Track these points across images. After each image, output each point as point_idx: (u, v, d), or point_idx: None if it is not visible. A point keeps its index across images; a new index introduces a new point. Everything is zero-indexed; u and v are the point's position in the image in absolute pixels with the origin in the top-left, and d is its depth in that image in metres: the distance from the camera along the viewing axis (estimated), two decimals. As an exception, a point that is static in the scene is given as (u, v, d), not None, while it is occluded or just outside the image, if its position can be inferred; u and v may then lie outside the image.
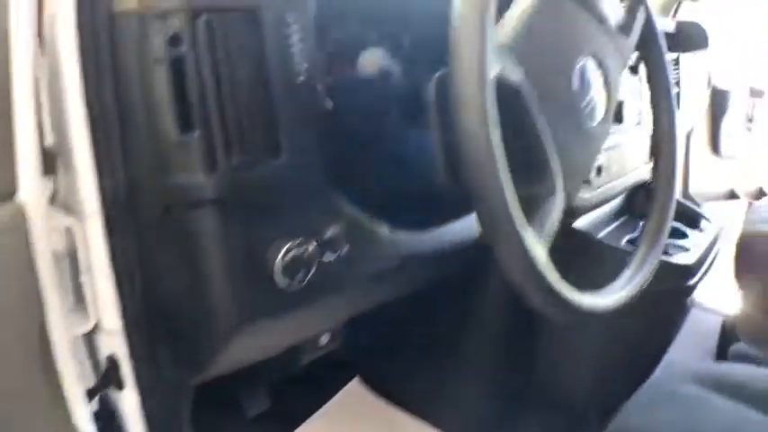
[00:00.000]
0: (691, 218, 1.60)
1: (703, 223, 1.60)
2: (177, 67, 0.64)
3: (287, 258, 0.70)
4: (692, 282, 1.38)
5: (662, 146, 1.00)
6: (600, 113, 0.84)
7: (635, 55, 1.40)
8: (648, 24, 0.96)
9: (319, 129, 0.73)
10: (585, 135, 0.82)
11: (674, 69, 1.73)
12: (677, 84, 1.74)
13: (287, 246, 0.70)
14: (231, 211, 0.67)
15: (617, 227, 1.54)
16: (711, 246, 1.52)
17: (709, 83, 2.24)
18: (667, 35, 1.73)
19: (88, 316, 0.71)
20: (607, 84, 0.85)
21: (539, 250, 0.68)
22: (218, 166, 0.65)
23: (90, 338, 0.73)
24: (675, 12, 2.34)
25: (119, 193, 0.68)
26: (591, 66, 0.82)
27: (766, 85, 2.81)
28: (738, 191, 2.78)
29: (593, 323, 1.25)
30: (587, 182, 1.21)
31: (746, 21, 2.86)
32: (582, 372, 1.48)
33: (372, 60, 0.72)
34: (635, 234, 1.49)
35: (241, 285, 0.69)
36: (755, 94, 2.75)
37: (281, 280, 0.70)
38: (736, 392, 0.96)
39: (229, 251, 0.68)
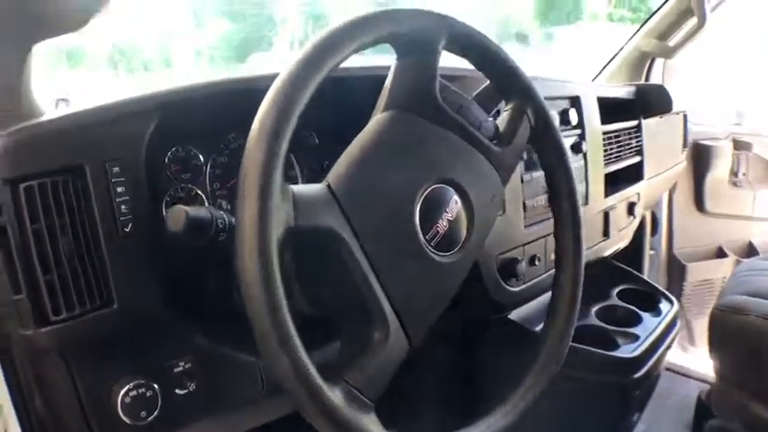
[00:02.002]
0: (649, 298, 1.52)
1: (663, 304, 1.51)
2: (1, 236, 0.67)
3: (128, 398, 0.74)
4: (637, 375, 1.29)
5: (566, 248, 0.89)
6: (457, 240, 0.76)
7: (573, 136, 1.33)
8: (540, 120, 0.85)
9: (154, 271, 0.74)
10: (436, 269, 0.73)
11: (637, 136, 1.65)
12: (639, 152, 1.66)
13: (127, 386, 0.74)
14: (72, 358, 0.73)
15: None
16: (666, 331, 1.43)
17: (685, 141, 2.15)
18: (627, 102, 1.67)
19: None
20: (468, 209, 0.77)
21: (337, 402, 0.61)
22: (50, 320, 0.69)
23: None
24: (648, 72, 2.28)
25: None
26: (444, 192, 0.75)
27: (754, 136, 2.73)
28: (726, 248, 2.68)
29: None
30: (514, 276, 1.13)
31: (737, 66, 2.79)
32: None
33: (176, 217, 0.68)
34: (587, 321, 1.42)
35: (93, 424, 0.74)
36: (741, 146, 2.67)
37: (126, 418, 0.74)
38: None
39: (77, 393, 0.74)
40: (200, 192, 0.92)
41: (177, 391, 0.77)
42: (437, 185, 0.73)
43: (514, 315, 1.26)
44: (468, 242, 0.77)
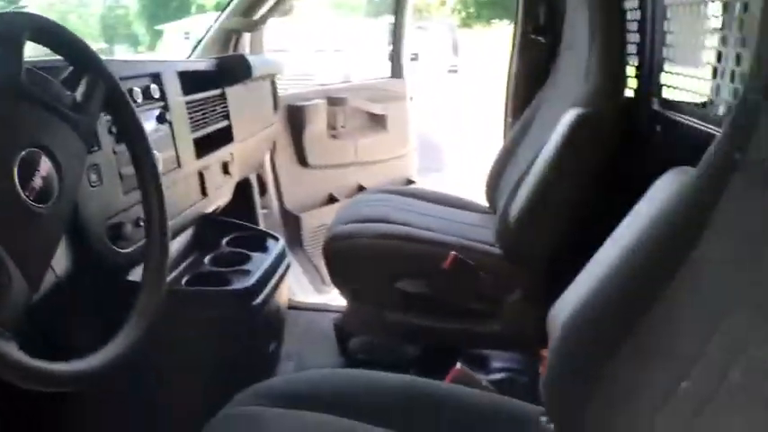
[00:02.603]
0: (256, 242, 1.71)
1: (269, 242, 1.72)
2: None
3: None
4: (255, 302, 1.47)
5: (150, 200, 1.07)
6: (53, 194, 0.90)
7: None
8: (113, 91, 1.03)
9: None
10: (38, 218, 0.87)
11: (222, 103, 1.83)
12: (226, 117, 1.84)
13: None
14: None
15: (185, 267, 1.59)
16: (277, 262, 1.64)
17: (276, 103, 2.41)
18: (210, 73, 1.83)
19: None
20: (56, 166, 0.90)
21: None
22: None
23: None
24: (236, 44, 2.49)
25: None
26: (35, 155, 0.87)
27: (349, 90, 3.13)
28: (337, 194, 3.05)
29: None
30: (122, 237, 1.23)
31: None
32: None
33: None
34: (201, 269, 1.56)
35: None
36: (336, 102, 3.03)
37: None
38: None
39: None
40: None
41: None
42: (30, 149, 0.86)
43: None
44: (62, 193, 0.91)
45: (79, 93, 0.98)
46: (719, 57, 1.22)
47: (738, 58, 1.15)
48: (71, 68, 1.06)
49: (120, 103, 1.06)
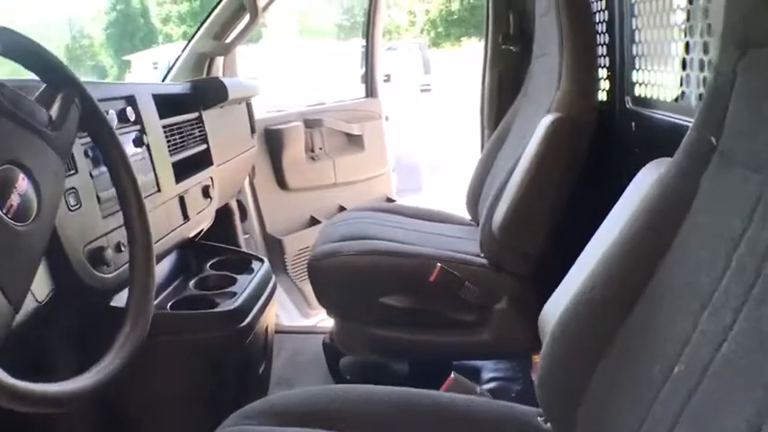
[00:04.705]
0: (241, 264, 1.70)
1: (254, 264, 1.71)
2: None
3: None
4: (242, 324, 1.46)
5: (133, 219, 1.06)
6: (32, 212, 0.88)
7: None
8: (89, 108, 1.02)
9: None
10: (17, 237, 0.85)
11: (199, 127, 1.82)
12: (205, 140, 1.83)
13: None
14: None
15: (170, 291, 1.57)
16: (263, 283, 1.63)
17: (252, 126, 2.41)
18: (184, 96, 1.83)
19: None
20: (34, 183, 0.88)
21: None
22: None
23: None
24: (209, 67, 2.48)
25: None
26: (11, 172, 0.85)
27: (324, 112, 3.14)
28: (318, 216, 3.04)
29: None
30: (103, 262, 1.21)
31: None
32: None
33: None
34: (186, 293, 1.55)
35: None
36: (312, 124, 3.05)
37: None
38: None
39: None
40: None
41: None
42: (5, 166, 0.84)
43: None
44: (40, 211, 0.89)
45: (54, 110, 0.96)
46: (687, 47, 1.24)
47: (706, 47, 1.17)
48: (44, 87, 1.03)
49: (96, 120, 1.05)
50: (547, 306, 1.17)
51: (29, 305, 0.99)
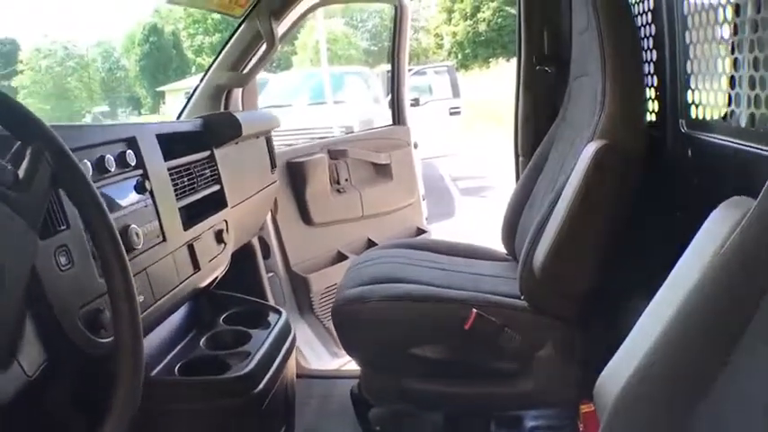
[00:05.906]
0: (256, 316, 1.57)
1: (271, 317, 1.57)
2: None
3: None
4: (258, 389, 1.32)
5: (114, 279, 0.91)
6: None
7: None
8: (59, 162, 0.90)
9: None
10: None
11: (211, 166, 1.69)
12: (217, 180, 1.70)
13: None
14: None
15: (179, 351, 1.44)
16: (280, 338, 1.49)
17: (273, 161, 2.28)
18: (194, 134, 1.70)
19: None
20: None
21: None
22: None
23: None
24: (227, 99, 2.37)
25: None
26: None
27: (347, 142, 3.03)
28: (345, 251, 2.89)
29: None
30: (100, 325, 1.08)
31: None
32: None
33: None
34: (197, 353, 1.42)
35: None
36: (337, 155, 2.92)
37: None
38: None
39: None
40: None
41: None
42: None
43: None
44: (2, 286, 0.79)
45: (23, 168, 0.85)
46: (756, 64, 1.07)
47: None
48: (19, 143, 0.91)
49: (68, 173, 0.91)
50: (606, 372, 1.00)
51: (18, 381, 0.88)
